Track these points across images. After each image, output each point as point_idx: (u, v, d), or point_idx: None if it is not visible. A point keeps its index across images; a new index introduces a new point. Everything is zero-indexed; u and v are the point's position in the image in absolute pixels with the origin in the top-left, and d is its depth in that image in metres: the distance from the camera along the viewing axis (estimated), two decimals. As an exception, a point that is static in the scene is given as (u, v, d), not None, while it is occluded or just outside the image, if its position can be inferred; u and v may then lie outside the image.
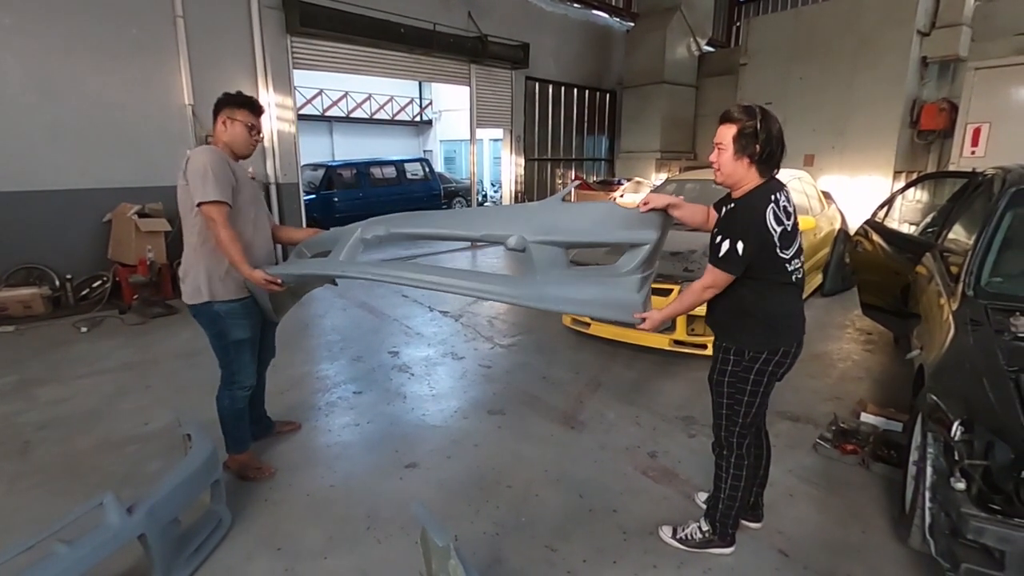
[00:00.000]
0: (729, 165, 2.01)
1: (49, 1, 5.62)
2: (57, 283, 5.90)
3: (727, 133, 1.99)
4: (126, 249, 5.99)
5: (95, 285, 6.10)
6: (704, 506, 2.50)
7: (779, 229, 1.96)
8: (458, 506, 2.64)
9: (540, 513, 2.59)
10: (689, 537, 2.33)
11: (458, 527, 2.46)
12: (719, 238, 2.00)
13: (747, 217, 1.97)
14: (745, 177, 2.02)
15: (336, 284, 3.01)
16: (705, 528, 2.32)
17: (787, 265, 2.01)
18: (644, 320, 2.17)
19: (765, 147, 1.95)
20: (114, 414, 3.56)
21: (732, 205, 2.06)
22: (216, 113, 2.59)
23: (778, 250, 1.97)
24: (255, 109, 2.63)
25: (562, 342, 4.93)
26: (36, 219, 5.80)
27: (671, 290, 4.22)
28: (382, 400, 3.81)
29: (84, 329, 5.21)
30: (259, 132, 2.67)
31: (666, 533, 2.39)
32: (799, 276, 2.08)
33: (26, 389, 3.92)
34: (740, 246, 1.93)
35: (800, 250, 2.08)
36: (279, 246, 2.93)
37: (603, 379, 4.14)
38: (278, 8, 7.14)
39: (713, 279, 2.04)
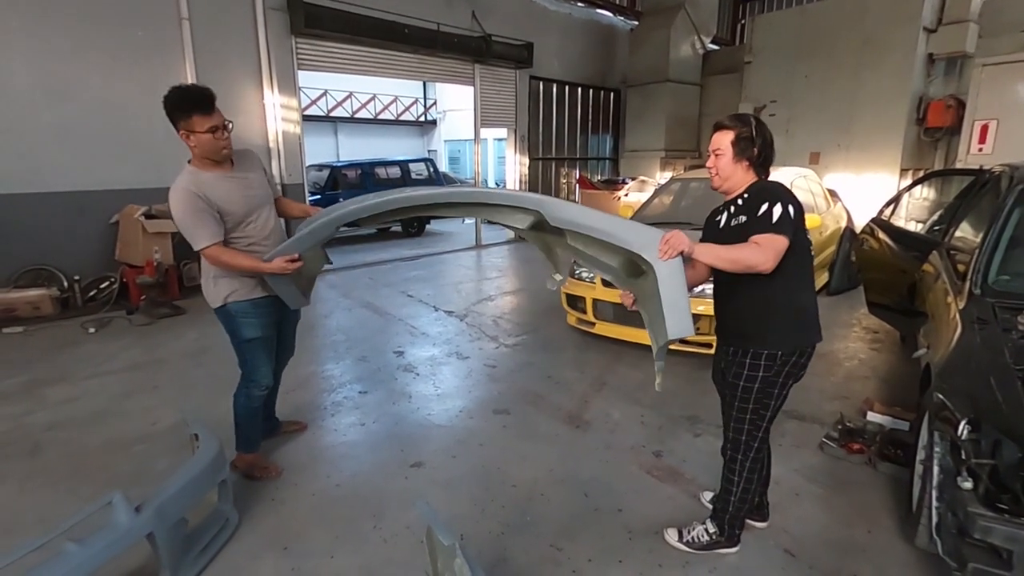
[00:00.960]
0: (728, 168, 2.07)
1: (56, 4, 5.66)
2: (65, 284, 5.94)
3: (724, 139, 2.06)
4: (133, 250, 6.03)
5: (103, 286, 6.14)
6: (710, 506, 2.50)
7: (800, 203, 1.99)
8: (463, 505, 2.64)
9: (545, 512, 2.60)
10: (696, 539, 2.32)
11: (463, 526, 2.47)
12: (765, 206, 1.92)
13: (776, 188, 2.00)
14: (743, 180, 2.08)
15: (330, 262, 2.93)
16: (712, 530, 2.31)
17: (811, 248, 2.06)
18: (668, 242, 1.87)
19: (762, 151, 2.04)
20: (122, 414, 3.59)
21: (745, 195, 2.06)
22: (174, 124, 2.39)
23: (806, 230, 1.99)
24: (204, 107, 2.38)
25: (567, 342, 4.94)
26: (44, 221, 5.84)
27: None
28: (387, 400, 3.82)
29: (92, 330, 5.25)
30: (224, 128, 2.44)
31: (672, 536, 2.37)
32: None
33: (35, 389, 3.95)
34: (791, 208, 1.92)
35: None
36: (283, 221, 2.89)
37: (608, 378, 4.14)
38: (282, 9, 7.17)
39: (768, 242, 1.87)
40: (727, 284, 2.15)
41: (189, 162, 2.49)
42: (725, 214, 2.14)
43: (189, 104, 2.37)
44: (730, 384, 2.17)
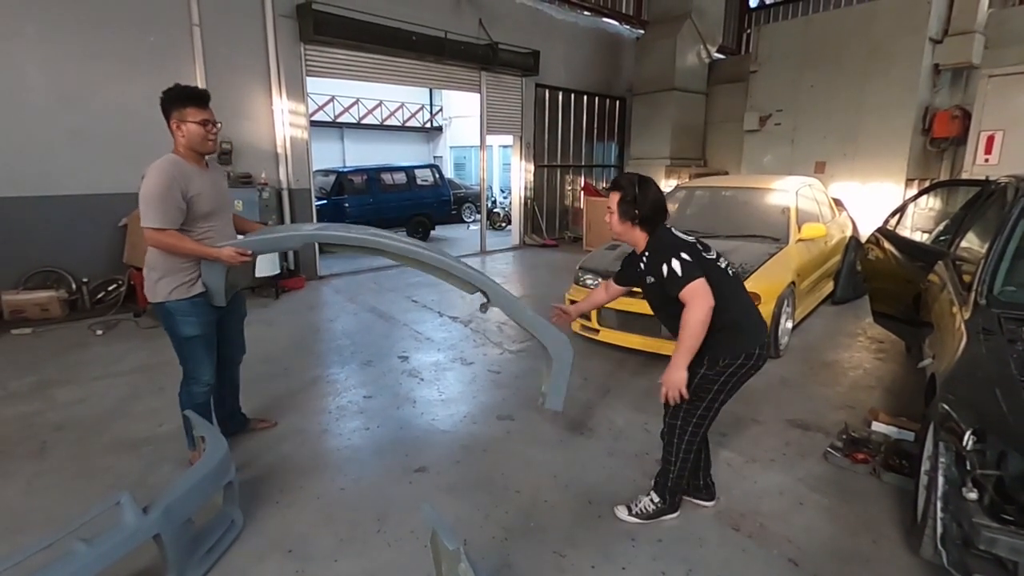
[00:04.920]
0: (618, 226, 2.37)
1: (70, 10, 5.74)
2: (74, 286, 6.00)
3: (613, 200, 2.35)
4: (141, 253, 5.95)
5: (110, 288, 6.19)
6: (629, 519, 2.60)
7: (691, 242, 2.31)
8: (467, 511, 2.65)
9: (549, 519, 2.60)
10: (643, 511, 2.56)
11: (467, 532, 2.47)
12: (664, 266, 2.20)
13: (663, 244, 2.29)
14: (637, 236, 2.35)
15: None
16: (656, 500, 2.56)
17: (718, 263, 2.32)
18: (669, 392, 2.26)
19: (643, 211, 2.29)
20: (128, 415, 3.62)
21: (647, 254, 2.35)
22: (166, 116, 2.59)
23: (703, 253, 2.29)
24: (200, 100, 2.60)
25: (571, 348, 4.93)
26: (54, 223, 5.90)
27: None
28: (392, 404, 3.83)
29: (99, 332, 5.29)
30: (214, 124, 2.64)
31: (622, 512, 2.60)
32: (734, 269, 2.42)
33: (44, 390, 3.99)
34: (682, 255, 2.20)
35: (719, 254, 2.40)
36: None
37: (612, 386, 4.14)
38: (292, 17, 7.24)
39: (701, 295, 2.16)
40: (671, 328, 2.39)
41: (172, 151, 2.62)
42: (640, 265, 2.41)
43: (186, 96, 2.58)
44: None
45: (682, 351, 2.19)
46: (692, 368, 2.24)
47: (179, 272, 2.65)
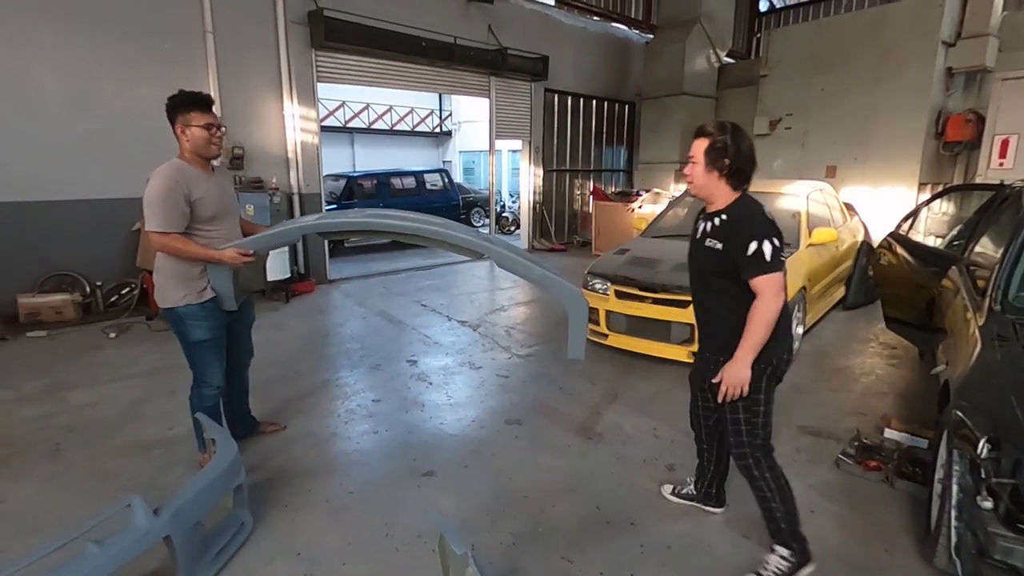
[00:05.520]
0: (701, 177, 2.09)
1: (88, 18, 5.84)
2: (88, 289, 6.07)
3: (699, 147, 2.08)
4: (153, 257, 6.09)
5: (123, 292, 6.26)
6: (672, 498, 2.65)
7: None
8: (475, 515, 2.65)
9: (557, 524, 2.59)
10: (778, 571, 2.17)
11: (475, 536, 2.47)
12: (753, 243, 1.96)
13: (759, 219, 2.04)
14: (719, 191, 2.10)
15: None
16: (786, 553, 2.19)
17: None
18: (720, 379, 2.08)
19: (735, 161, 2.03)
20: (140, 418, 3.65)
21: (724, 216, 2.10)
22: (172, 122, 2.63)
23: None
24: (204, 105, 2.64)
25: (580, 353, 4.92)
26: (69, 228, 5.98)
27: (690, 302, 4.20)
28: (400, 408, 3.84)
29: (112, 335, 5.35)
30: (218, 128, 2.68)
31: None
32: None
33: (57, 392, 4.03)
34: (776, 242, 1.97)
35: None
36: None
37: (620, 391, 4.12)
38: (303, 23, 7.31)
39: (780, 289, 1.99)
40: (705, 307, 2.26)
41: (178, 157, 2.66)
42: (703, 225, 2.19)
43: (191, 101, 2.62)
44: (714, 388, 2.18)
45: (750, 346, 2.00)
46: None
47: (189, 278, 2.68)
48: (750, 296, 2.02)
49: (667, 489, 2.80)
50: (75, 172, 5.96)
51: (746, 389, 2.05)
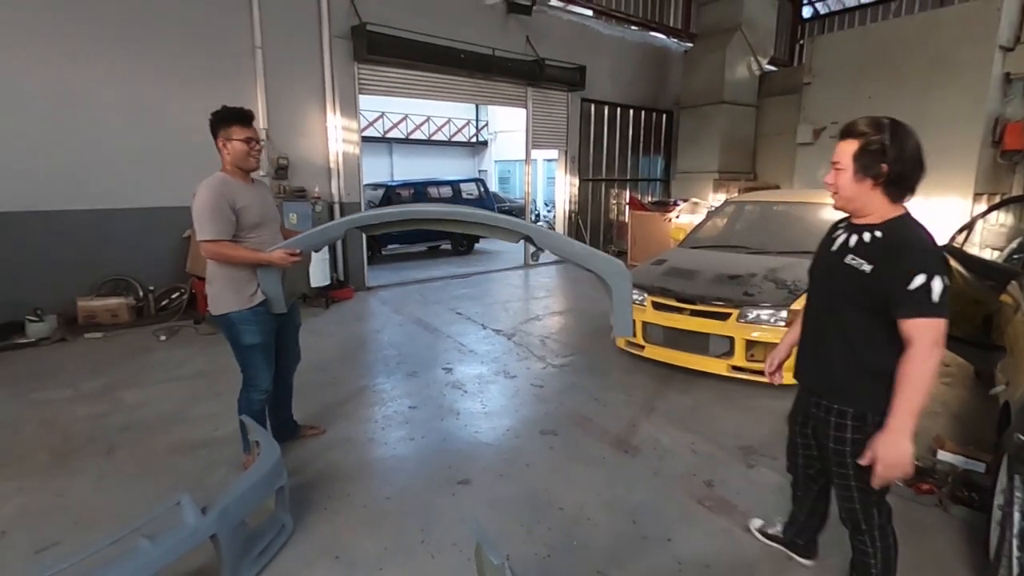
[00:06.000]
0: (849, 188, 1.72)
1: (146, 35, 6.14)
2: (141, 294, 6.36)
3: (847, 150, 1.72)
4: (202, 263, 6.30)
5: (173, 296, 6.53)
6: (760, 536, 2.47)
7: None
8: (510, 525, 2.64)
9: (592, 537, 2.57)
10: None
11: (510, 547, 2.47)
12: (920, 277, 1.57)
13: (929, 247, 1.65)
14: (876, 205, 1.72)
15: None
16: None
17: None
18: (876, 461, 1.66)
19: (895, 167, 1.65)
20: (188, 419, 3.79)
21: (879, 234, 1.71)
22: (214, 135, 2.80)
23: None
24: (244, 120, 2.79)
25: (615, 364, 4.88)
26: (125, 234, 6.28)
27: (730, 314, 4.12)
28: (436, 416, 3.88)
29: (163, 337, 5.58)
30: (257, 142, 2.83)
31: None
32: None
33: (112, 392, 4.23)
34: (945, 281, 1.58)
35: None
36: None
37: (657, 403, 4.06)
38: (347, 37, 7.54)
39: (941, 341, 1.60)
40: (820, 333, 1.89)
41: (220, 170, 2.82)
42: (844, 237, 1.82)
43: (233, 116, 2.78)
44: (821, 443, 1.95)
45: (909, 411, 1.60)
46: (837, 433, 1.82)
47: (240, 284, 2.79)
48: (881, 336, 1.68)
49: (755, 524, 2.55)
50: (130, 182, 6.26)
51: (910, 470, 1.63)
